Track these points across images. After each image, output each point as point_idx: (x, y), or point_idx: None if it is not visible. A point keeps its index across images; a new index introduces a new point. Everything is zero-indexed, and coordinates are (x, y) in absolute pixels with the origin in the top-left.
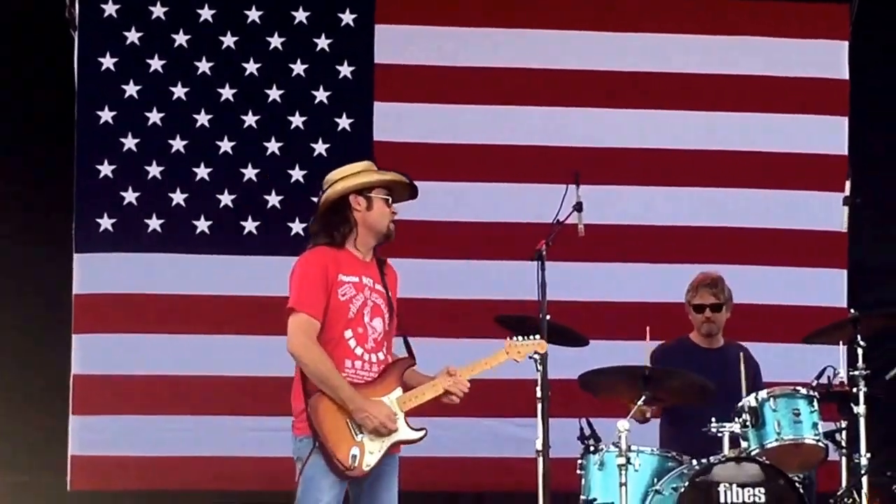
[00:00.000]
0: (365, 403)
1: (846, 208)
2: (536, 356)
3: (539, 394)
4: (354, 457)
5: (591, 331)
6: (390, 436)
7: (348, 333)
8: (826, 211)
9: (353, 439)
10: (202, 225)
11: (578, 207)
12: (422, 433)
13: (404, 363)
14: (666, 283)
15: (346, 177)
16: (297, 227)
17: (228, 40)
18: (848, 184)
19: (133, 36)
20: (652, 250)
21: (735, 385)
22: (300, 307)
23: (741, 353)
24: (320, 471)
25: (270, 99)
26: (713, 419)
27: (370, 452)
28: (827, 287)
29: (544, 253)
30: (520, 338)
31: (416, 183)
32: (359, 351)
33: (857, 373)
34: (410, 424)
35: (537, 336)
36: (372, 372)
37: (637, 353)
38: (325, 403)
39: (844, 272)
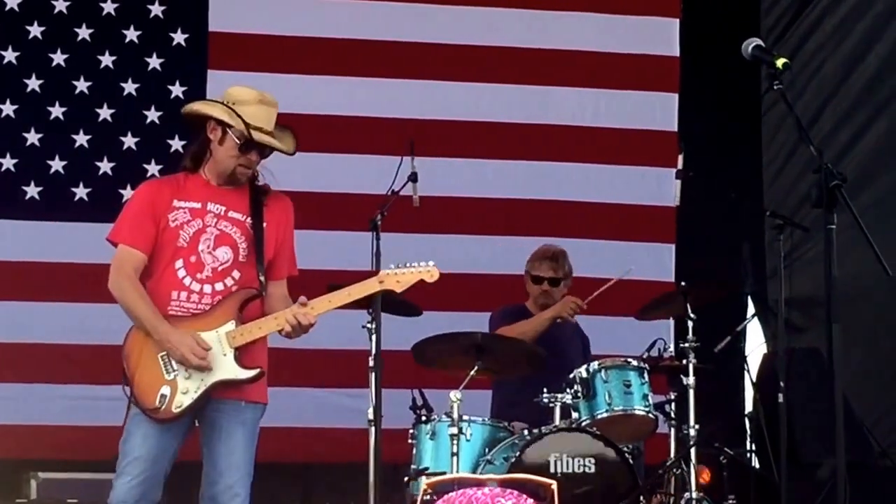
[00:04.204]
0: (169, 333)
1: (679, 182)
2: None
3: (372, 363)
4: (164, 396)
5: (425, 301)
6: (209, 374)
7: (178, 263)
8: (656, 186)
9: (164, 377)
10: (31, 191)
11: (413, 178)
12: (252, 373)
13: (242, 294)
14: (499, 255)
15: (215, 103)
16: (126, 192)
17: (60, 5)
18: (681, 158)
19: None
20: (485, 222)
21: (565, 357)
22: (116, 238)
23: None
24: (136, 421)
25: (103, 65)
26: (545, 390)
27: (183, 392)
28: (656, 261)
29: (379, 223)
30: (402, 265)
31: None
32: (187, 281)
33: (686, 345)
34: (242, 362)
35: (430, 263)
36: (203, 304)
37: (469, 324)
38: (136, 336)
39: (672, 246)
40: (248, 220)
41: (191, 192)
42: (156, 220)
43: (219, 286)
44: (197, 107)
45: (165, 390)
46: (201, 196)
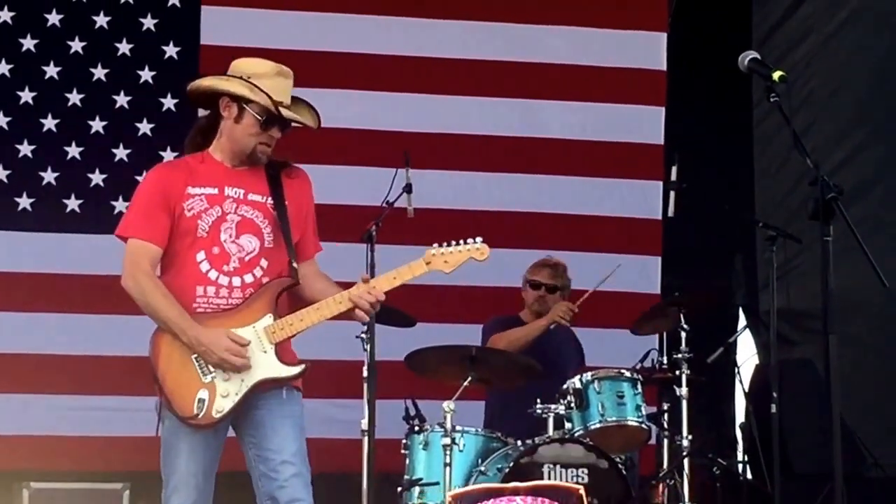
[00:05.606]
0: (200, 334)
1: (673, 193)
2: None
3: (366, 373)
4: (202, 401)
5: (419, 312)
6: (250, 374)
7: (200, 255)
8: (642, 199)
9: (201, 381)
10: (24, 202)
11: (408, 189)
12: (296, 370)
13: (278, 285)
14: (492, 266)
15: (231, 78)
16: (120, 205)
17: (53, 18)
18: (675, 169)
19: None
20: (479, 235)
21: (559, 366)
22: (127, 232)
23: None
24: (174, 431)
25: (95, 78)
26: (538, 400)
27: (223, 396)
28: (642, 274)
29: (374, 234)
30: (449, 244)
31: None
32: (213, 275)
33: (679, 356)
34: (285, 358)
35: (477, 239)
36: (234, 298)
37: (463, 335)
38: (163, 338)
39: (658, 259)
40: (269, 200)
41: (204, 177)
42: (169, 210)
43: (248, 278)
44: (211, 82)
45: (203, 394)
46: (217, 180)
